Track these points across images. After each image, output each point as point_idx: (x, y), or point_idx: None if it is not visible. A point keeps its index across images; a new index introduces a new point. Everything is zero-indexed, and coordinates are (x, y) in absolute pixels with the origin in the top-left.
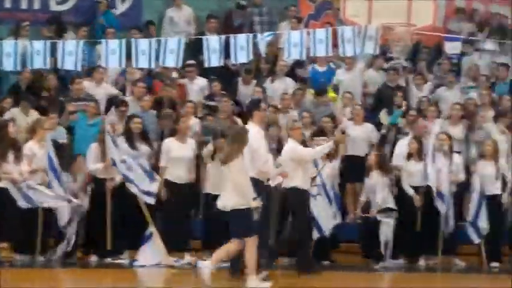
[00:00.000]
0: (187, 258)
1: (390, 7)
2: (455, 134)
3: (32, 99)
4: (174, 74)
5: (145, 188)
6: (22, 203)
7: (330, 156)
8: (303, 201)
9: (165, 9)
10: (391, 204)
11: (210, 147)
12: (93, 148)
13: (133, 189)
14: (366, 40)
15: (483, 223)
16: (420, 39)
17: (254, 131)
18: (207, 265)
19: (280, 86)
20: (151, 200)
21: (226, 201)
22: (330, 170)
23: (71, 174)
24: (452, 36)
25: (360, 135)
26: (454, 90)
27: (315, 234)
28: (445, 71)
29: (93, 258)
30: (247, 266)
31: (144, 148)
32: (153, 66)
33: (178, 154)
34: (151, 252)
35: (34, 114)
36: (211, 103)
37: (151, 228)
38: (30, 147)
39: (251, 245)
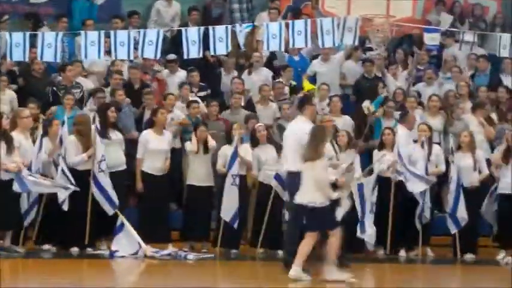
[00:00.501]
0: (170, 248)
1: None
2: (434, 125)
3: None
4: (157, 67)
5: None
6: (16, 188)
7: None
8: None
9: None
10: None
11: (193, 140)
12: (72, 141)
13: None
14: (345, 31)
15: (462, 214)
16: (400, 31)
17: (306, 125)
18: (295, 270)
19: (259, 78)
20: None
21: (308, 197)
22: None
23: None
24: (431, 27)
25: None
26: (433, 86)
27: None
28: (423, 62)
29: (74, 249)
30: (328, 258)
31: (115, 137)
32: (131, 57)
33: (156, 146)
34: (127, 241)
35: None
36: (202, 93)
37: (122, 219)
38: (16, 138)
39: (334, 238)
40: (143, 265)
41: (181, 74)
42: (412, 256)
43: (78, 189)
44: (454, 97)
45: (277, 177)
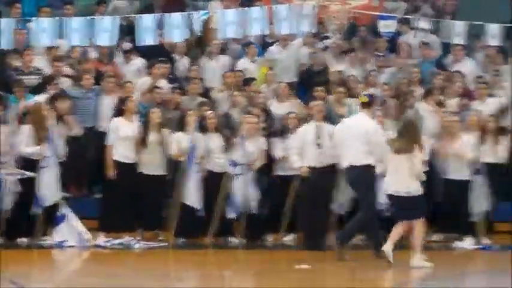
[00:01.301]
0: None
1: None
2: None
3: None
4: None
5: None
6: None
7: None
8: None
9: None
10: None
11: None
12: (26, 130)
13: None
14: (301, 18)
15: None
16: (356, 18)
17: (373, 123)
18: (418, 258)
19: (216, 65)
20: None
21: (405, 187)
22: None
23: None
24: (387, 14)
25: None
26: (384, 74)
27: (231, 213)
28: (381, 49)
29: (23, 239)
30: (413, 246)
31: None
32: (86, 44)
33: (126, 133)
34: (68, 231)
35: None
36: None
37: (64, 210)
38: None
39: (420, 226)
40: (89, 254)
41: (137, 62)
42: None
43: (34, 174)
44: (407, 85)
45: (233, 163)
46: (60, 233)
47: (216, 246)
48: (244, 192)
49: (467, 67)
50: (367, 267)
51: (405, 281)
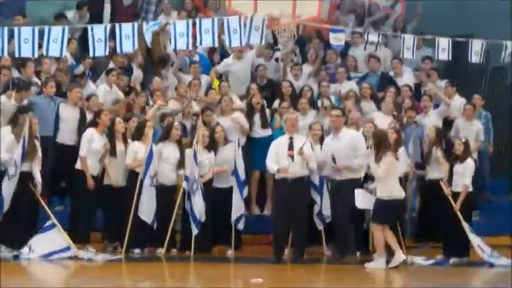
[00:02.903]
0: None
1: None
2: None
3: None
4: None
5: None
6: None
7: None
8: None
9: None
10: None
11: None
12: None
13: None
14: (252, 30)
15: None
16: (306, 30)
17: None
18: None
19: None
20: None
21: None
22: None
23: None
24: (337, 27)
25: (230, 126)
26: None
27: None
28: (331, 61)
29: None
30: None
31: None
32: (36, 55)
33: (97, 146)
34: (49, 241)
35: None
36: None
37: (52, 220)
38: None
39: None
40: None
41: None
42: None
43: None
44: (354, 97)
45: (186, 178)
46: (41, 241)
47: (169, 259)
48: (198, 206)
49: (408, 79)
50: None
51: None
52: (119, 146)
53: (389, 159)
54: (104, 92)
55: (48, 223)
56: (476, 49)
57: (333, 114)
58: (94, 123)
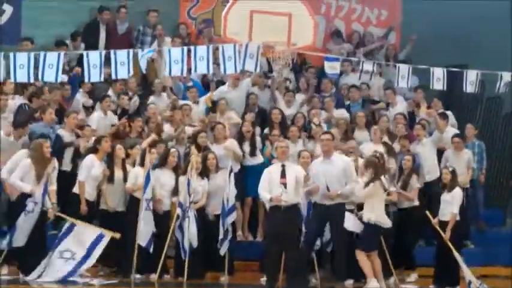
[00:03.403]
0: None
1: (271, 26)
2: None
3: None
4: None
5: None
6: None
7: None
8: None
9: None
10: None
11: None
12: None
13: None
14: (246, 58)
15: None
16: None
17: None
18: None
19: (158, 103)
20: None
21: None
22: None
23: None
24: (333, 56)
25: (222, 154)
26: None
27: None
28: (327, 90)
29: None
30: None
31: None
32: (32, 80)
33: (96, 172)
34: (78, 241)
35: None
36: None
37: (70, 221)
38: None
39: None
40: None
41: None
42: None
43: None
44: (345, 125)
45: (180, 205)
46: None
47: (162, 284)
48: (191, 232)
49: (401, 109)
50: None
51: None
52: (117, 172)
53: (376, 184)
54: (98, 118)
55: (66, 224)
56: (471, 79)
57: (323, 138)
58: (94, 150)
